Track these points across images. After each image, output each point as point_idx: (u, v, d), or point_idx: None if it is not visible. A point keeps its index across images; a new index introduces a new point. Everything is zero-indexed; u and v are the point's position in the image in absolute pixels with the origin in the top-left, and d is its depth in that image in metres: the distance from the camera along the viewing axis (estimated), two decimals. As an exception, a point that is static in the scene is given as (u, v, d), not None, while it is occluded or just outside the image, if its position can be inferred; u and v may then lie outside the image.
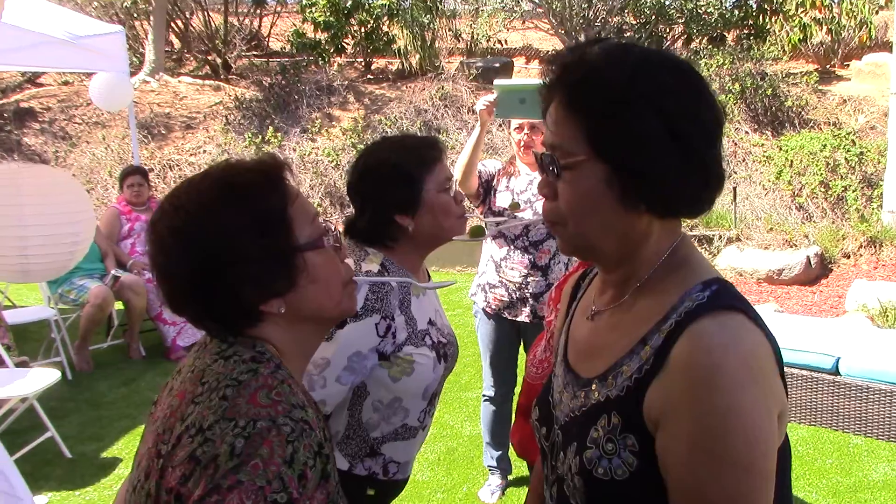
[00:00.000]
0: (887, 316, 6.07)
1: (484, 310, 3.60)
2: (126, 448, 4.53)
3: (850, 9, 10.88)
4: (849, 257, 7.72)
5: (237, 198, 1.14)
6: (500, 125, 9.44)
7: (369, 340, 1.80)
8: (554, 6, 12.03)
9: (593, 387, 1.12)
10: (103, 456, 4.45)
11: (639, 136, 1.02)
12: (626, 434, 1.04)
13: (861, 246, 7.75)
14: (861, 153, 8.89)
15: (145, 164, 9.45)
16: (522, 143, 3.41)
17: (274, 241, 1.14)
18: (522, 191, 3.42)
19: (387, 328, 1.83)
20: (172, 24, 13.85)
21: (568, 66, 1.09)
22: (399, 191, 1.89)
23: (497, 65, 11.94)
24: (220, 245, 1.11)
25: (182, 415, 1.08)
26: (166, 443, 1.07)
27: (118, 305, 6.08)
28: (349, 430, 1.86)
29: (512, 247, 3.43)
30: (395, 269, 1.91)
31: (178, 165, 10.72)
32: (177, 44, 14.62)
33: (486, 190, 3.50)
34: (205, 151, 10.91)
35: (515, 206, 3.37)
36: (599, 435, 1.07)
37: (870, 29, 11.00)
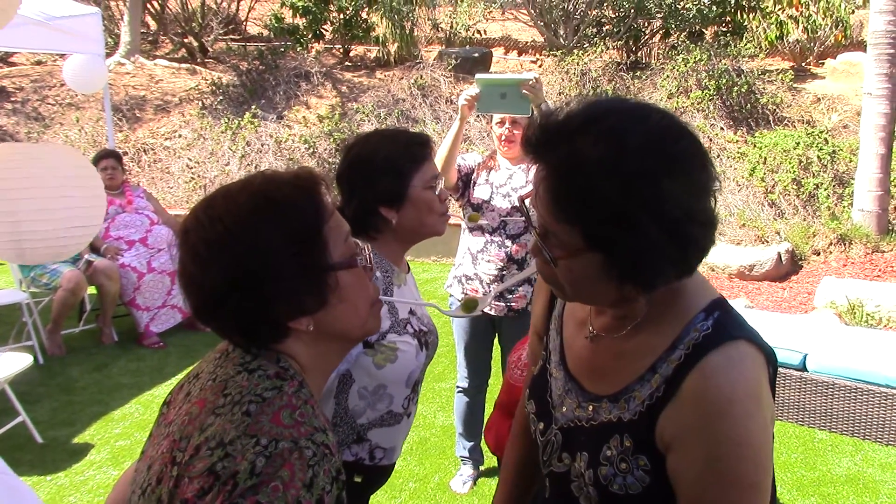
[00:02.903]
0: (855, 313, 6.18)
1: (459, 301, 3.62)
2: (98, 434, 4.51)
3: (827, 7, 11.00)
4: (819, 254, 7.83)
5: (276, 213, 1.11)
6: (479, 116, 9.45)
7: None
8: (534, -3, 12.05)
9: (603, 404, 1.21)
10: (75, 441, 4.42)
11: (637, 242, 1.04)
12: (638, 455, 1.15)
13: (831, 243, 7.86)
14: (833, 152, 9.01)
15: (119, 148, 9.37)
16: (504, 138, 3.42)
17: (310, 259, 1.13)
18: (502, 184, 3.43)
19: None
20: (148, 6, 13.69)
21: (556, 144, 1.08)
22: (386, 184, 1.93)
23: (475, 55, 11.95)
24: (257, 261, 1.09)
25: (201, 424, 1.06)
26: (182, 450, 1.06)
27: (91, 290, 6.04)
28: (336, 417, 1.89)
29: (489, 238, 3.46)
30: (379, 260, 1.95)
31: (152, 149, 10.62)
32: (153, 25, 14.46)
33: (466, 183, 3.51)
34: (180, 136, 10.81)
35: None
36: (613, 454, 1.17)
37: (845, 28, 11.12)
